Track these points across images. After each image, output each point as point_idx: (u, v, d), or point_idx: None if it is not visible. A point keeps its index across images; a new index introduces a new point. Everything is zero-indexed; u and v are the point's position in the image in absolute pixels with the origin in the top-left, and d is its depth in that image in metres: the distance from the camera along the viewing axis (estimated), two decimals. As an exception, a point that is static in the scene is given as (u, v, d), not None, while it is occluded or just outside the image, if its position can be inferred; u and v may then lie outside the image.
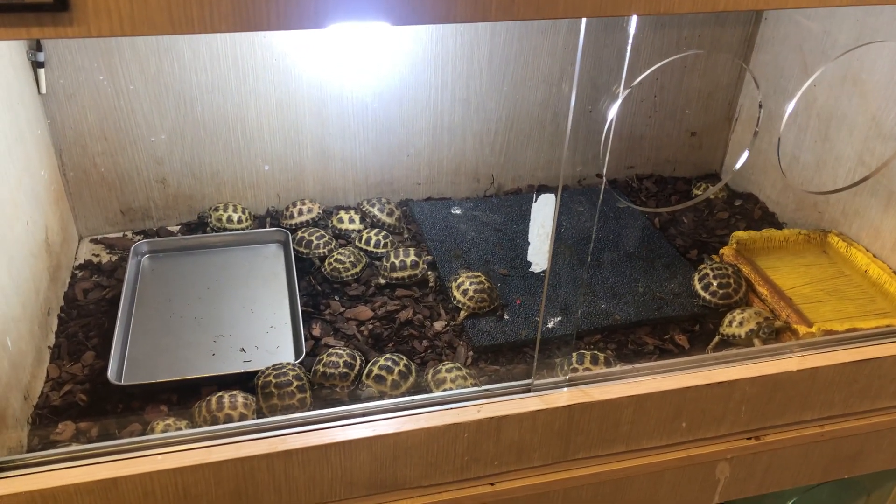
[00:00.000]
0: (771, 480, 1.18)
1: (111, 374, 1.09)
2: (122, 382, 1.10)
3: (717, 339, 1.23)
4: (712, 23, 1.57)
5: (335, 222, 1.48)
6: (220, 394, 1.04)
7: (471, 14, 0.68)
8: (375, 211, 1.49)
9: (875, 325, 1.16)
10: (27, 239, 1.15)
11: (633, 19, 0.79)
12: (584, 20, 0.77)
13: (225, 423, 1.00)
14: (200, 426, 1.00)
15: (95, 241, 1.45)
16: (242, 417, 1.01)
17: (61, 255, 1.31)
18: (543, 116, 1.57)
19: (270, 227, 1.49)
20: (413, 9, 0.67)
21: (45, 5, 0.57)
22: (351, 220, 1.47)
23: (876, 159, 1.32)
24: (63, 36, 0.59)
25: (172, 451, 0.87)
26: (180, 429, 0.98)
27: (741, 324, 1.20)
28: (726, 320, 1.23)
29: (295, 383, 1.06)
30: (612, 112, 0.91)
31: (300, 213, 1.47)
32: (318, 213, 1.48)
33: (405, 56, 1.43)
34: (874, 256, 1.35)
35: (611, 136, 0.93)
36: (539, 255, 1.30)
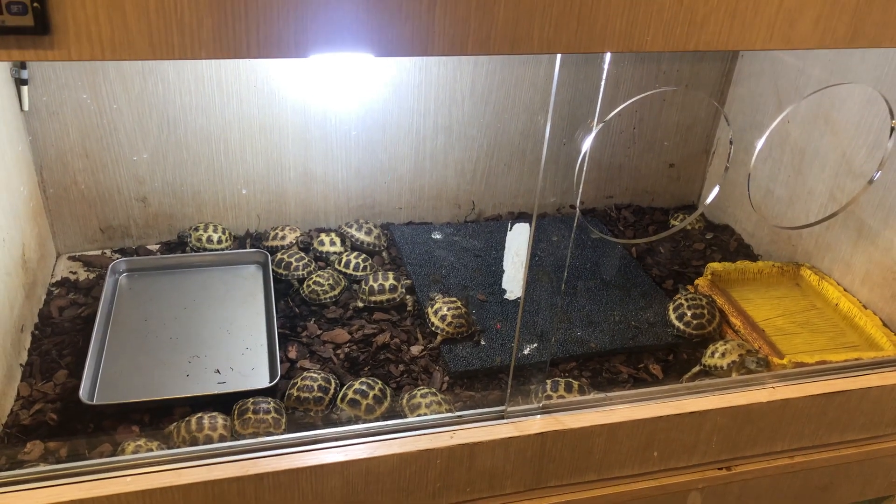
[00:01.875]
0: (742, 511, 1.19)
1: (83, 393, 1.08)
2: (94, 402, 1.09)
3: (696, 368, 1.24)
4: (690, 58, 1.60)
5: (316, 244, 1.48)
6: (199, 414, 1.04)
7: (448, 48, 0.70)
8: (353, 231, 1.50)
9: (844, 358, 1.18)
10: (2, 255, 1.14)
11: (608, 56, 0.81)
12: (558, 56, 0.79)
13: (204, 443, 0.99)
14: (178, 446, 1.00)
15: (73, 259, 1.44)
16: (222, 439, 1.01)
17: (38, 272, 1.31)
18: (524, 145, 1.60)
19: (250, 247, 1.49)
20: (393, 41, 0.69)
21: (26, 28, 0.58)
22: (332, 243, 1.48)
23: (846, 195, 1.35)
24: (44, 59, 0.60)
25: (142, 472, 0.87)
26: (151, 450, 0.98)
27: (723, 355, 1.21)
28: (708, 351, 1.24)
29: (272, 404, 1.06)
30: (586, 145, 0.93)
31: (275, 237, 1.48)
32: (294, 240, 1.48)
33: (389, 82, 1.45)
34: (845, 290, 1.37)
35: (585, 169, 0.95)
36: (514, 283, 1.32)
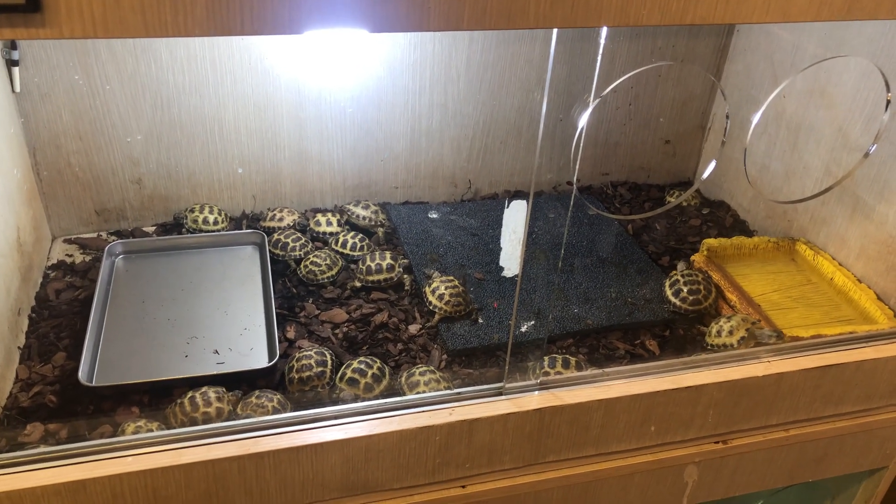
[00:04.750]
0: (738, 484, 1.20)
1: (82, 375, 1.08)
2: (94, 383, 1.09)
3: (701, 355, 1.22)
4: (686, 34, 1.59)
5: (312, 225, 1.48)
6: (190, 394, 1.04)
7: (444, 23, 0.69)
8: (351, 206, 1.50)
9: (839, 332, 1.19)
10: (-2, 238, 1.14)
11: (604, 31, 0.80)
12: (554, 31, 0.78)
13: (203, 422, 1.00)
14: (177, 428, 1.00)
15: (69, 241, 1.44)
16: (219, 412, 1.01)
17: (33, 255, 1.30)
18: (520, 122, 1.59)
19: (246, 228, 1.48)
20: (388, 16, 0.68)
21: (17, 6, 0.57)
22: (328, 223, 1.47)
23: (842, 170, 1.35)
24: (35, 37, 0.59)
25: (143, 452, 0.87)
26: (151, 430, 0.98)
27: (731, 332, 1.20)
28: (713, 330, 1.23)
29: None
30: (583, 120, 0.93)
31: (272, 218, 1.48)
32: (292, 222, 1.48)
33: (384, 60, 1.44)
34: (840, 264, 1.38)
35: (581, 144, 0.95)
36: (511, 260, 1.32)
